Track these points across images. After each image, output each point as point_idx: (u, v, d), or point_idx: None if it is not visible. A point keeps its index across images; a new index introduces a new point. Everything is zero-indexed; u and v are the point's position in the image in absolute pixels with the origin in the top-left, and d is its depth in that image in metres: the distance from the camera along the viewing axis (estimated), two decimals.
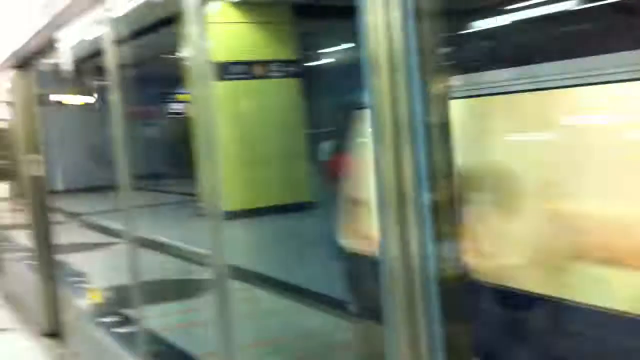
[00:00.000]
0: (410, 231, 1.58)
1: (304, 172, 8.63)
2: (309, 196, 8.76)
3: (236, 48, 7.66)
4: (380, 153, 1.63)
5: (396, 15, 1.53)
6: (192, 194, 9.15)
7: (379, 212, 1.66)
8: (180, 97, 17.80)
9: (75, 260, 5.51)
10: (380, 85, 1.59)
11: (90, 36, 4.13)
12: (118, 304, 4.94)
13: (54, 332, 6.25)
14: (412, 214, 1.57)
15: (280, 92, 8.34)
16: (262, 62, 8.29)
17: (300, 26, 8.24)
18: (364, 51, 1.62)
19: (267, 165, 7.65)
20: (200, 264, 3.16)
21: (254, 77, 8.19)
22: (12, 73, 6.23)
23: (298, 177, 8.47)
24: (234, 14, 7.49)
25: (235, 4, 7.19)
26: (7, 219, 8.24)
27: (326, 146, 8.12)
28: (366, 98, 1.66)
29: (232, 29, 7.01)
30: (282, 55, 8.36)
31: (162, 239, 3.47)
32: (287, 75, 8.84)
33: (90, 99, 4.82)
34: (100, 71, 5.87)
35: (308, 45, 9.73)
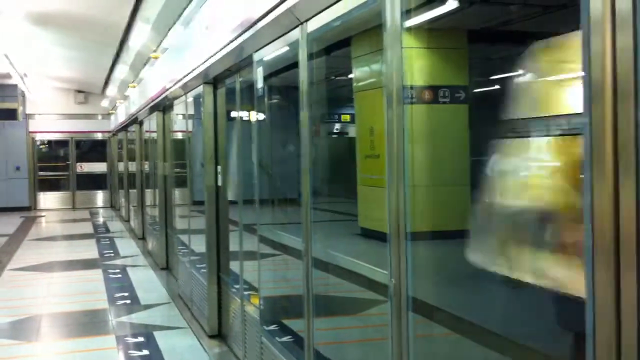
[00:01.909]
0: (625, 277, 1.49)
1: (466, 199, 8.44)
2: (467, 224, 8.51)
3: (411, 72, 7.68)
4: (595, 186, 1.56)
5: (625, 41, 1.47)
6: (349, 213, 9.30)
7: (586, 253, 1.58)
8: (345, 117, 18.22)
9: (242, 267, 5.77)
10: (602, 113, 1.52)
11: (274, 55, 4.33)
12: (281, 313, 5.09)
13: (219, 334, 6.58)
14: (628, 258, 1.48)
15: (448, 118, 8.25)
16: (432, 87, 8.24)
17: (474, 52, 8.12)
18: (586, 78, 1.56)
19: (431, 190, 7.57)
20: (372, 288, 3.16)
21: (423, 102, 8.16)
22: (199, 88, 6.68)
23: (461, 204, 8.29)
24: (408, 39, 7.54)
25: (409, 30, 7.23)
26: (183, 224, 8.80)
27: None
28: (582, 125, 1.61)
29: (406, 54, 7.04)
30: (453, 81, 8.29)
31: (341, 257, 3.52)
32: (456, 101, 8.72)
33: (263, 116, 5.09)
34: (276, 90, 6.14)
35: (479, 71, 9.56)
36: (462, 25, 8.07)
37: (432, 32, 7.40)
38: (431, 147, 7.98)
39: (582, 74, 1.59)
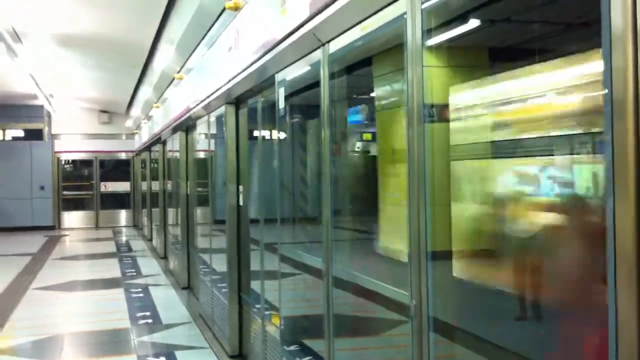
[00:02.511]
0: None
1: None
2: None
3: (431, 91, 7.68)
4: (617, 204, 1.54)
5: None
6: (369, 232, 9.27)
7: (609, 272, 1.57)
8: (366, 135, 18.24)
9: (261, 286, 5.77)
10: (624, 131, 1.51)
11: (295, 75, 4.35)
12: (301, 334, 5.07)
13: (239, 354, 6.56)
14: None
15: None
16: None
17: (495, 69, 8.11)
18: (608, 94, 1.55)
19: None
20: (392, 307, 3.13)
21: (444, 120, 8.12)
22: (222, 108, 6.73)
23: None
24: (429, 58, 7.55)
25: (430, 48, 7.24)
26: (205, 243, 8.82)
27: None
28: (603, 144, 1.59)
29: (428, 72, 7.05)
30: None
31: (361, 277, 3.50)
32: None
33: (285, 135, 5.13)
34: (298, 109, 6.16)
35: None
36: (484, 44, 8.09)
37: (452, 50, 7.41)
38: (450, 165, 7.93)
39: (605, 90, 1.58)
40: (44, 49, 11.40)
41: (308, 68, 3.98)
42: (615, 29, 1.51)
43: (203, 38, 7.13)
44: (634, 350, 1.49)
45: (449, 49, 6.77)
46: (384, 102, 9.09)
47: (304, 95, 4.74)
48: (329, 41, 3.50)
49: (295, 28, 3.59)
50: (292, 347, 4.87)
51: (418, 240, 2.56)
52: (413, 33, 2.60)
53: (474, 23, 5.43)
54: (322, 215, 3.68)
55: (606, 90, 1.57)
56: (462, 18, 4.67)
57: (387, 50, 4.11)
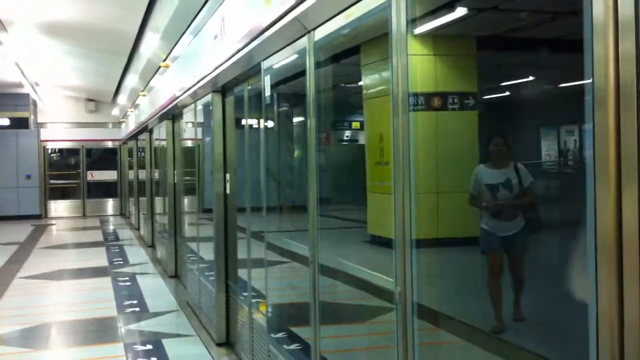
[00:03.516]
0: (628, 282, 1.48)
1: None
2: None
3: (417, 79, 7.67)
4: (600, 195, 1.55)
5: (628, 46, 1.47)
6: (358, 220, 9.29)
7: (590, 259, 1.58)
8: (355, 124, 18.25)
9: (247, 274, 5.78)
10: (605, 121, 1.52)
11: (281, 64, 4.34)
12: (288, 321, 5.09)
13: (227, 342, 6.58)
14: (631, 264, 1.47)
15: (458, 125, 8.23)
16: (441, 93, 8.23)
17: (483, 58, 8.12)
18: (589, 84, 1.56)
19: (441, 197, 7.56)
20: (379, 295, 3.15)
21: (432, 109, 8.14)
22: (208, 96, 6.71)
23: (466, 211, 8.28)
24: (417, 46, 7.54)
25: (418, 37, 7.23)
26: (192, 232, 8.82)
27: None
28: (585, 133, 1.60)
29: (413, 61, 7.05)
30: (462, 88, 8.27)
31: (346, 264, 3.52)
32: (466, 107, 8.70)
33: (271, 124, 5.14)
34: (284, 98, 6.14)
35: (488, 78, 9.54)
36: (471, 32, 8.09)
37: (439, 39, 7.43)
38: (439, 153, 7.98)
39: (587, 80, 1.59)
40: (29, 37, 11.29)
41: (295, 56, 3.97)
42: (596, 18, 1.52)
43: (189, 26, 7.08)
44: (615, 341, 1.51)
45: (436, 38, 6.77)
46: (371, 90, 9.08)
47: (291, 84, 4.73)
48: (314, 29, 3.49)
49: (281, 15, 3.57)
50: (278, 335, 4.89)
51: (403, 227, 2.57)
52: (398, 21, 2.60)
53: (460, 12, 5.42)
54: (309, 203, 3.68)
55: (588, 80, 1.58)
56: (448, 6, 4.65)
57: (375, 39, 4.11)
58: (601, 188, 1.54)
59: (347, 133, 19.41)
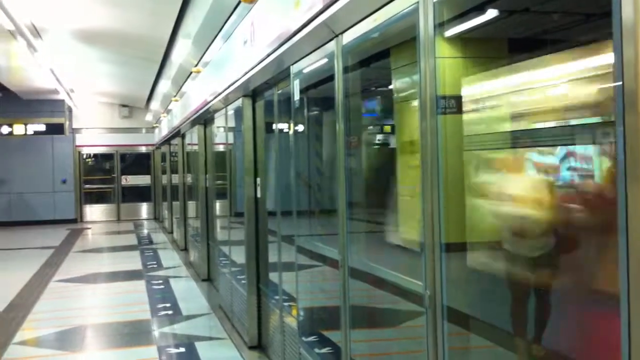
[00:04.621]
0: None
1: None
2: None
3: (446, 82, 7.63)
4: (632, 198, 1.53)
5: None
6: (386, 224, 9.26)
7: (621, 264, 1.56)
8: (386, 127, 18.24)
9: (278, 277, 5.81)
10: (636, 123, 1.50)
11: (311, 68, 4.36)
12: (319, 324, 5.10)
13: (259, 345, 6.61)
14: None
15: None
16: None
17: (514, 60, 8.04)
18: (619, 86, 1.55)
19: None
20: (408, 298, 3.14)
21: (461, 112, 8.05)
22: (238, 101, 6.76)
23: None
24: (447, 49, 7.51)
25: (448, 39, 7.21)
26: (224, 235, 8.88)
27: None
28: (614, 135, 1.58)
29: (442, 63, 7.02)
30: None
31: (379, 268, 3.52)
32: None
33: (301, 127, 5.18)
34: (314, 102, 6.14)
35: None
36: (503, 35, 8.02)
37: (470, 41, 7.36)
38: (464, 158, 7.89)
39: (617, 82, 1.57)
40: (63, 44, 11.51)
41: (324, 60, 3.98)
42: (625, 20, 1.50)
43: (219, 31, 7.15)
44: None
45: (466, 40, 6.70)
46: (402, 94, 9.05)
47: (321, 88, 4.74)
48: (342, 32, 3.50)
49: (309, 19, 3.59)
50: (310, 338, 4.90)
51: (432, 231, 2.56)
52: (425, 24, 2.59)
53: (491, 14, 5.37)
54: (338, 207, 3.69)
55: (618, 82, 1.56)
56: (477, 9, 4.62)
57: (405, 42, 4.10)
58: (632, 190, 1.52)
59: (379, 137, 19.47)
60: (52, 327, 7.75)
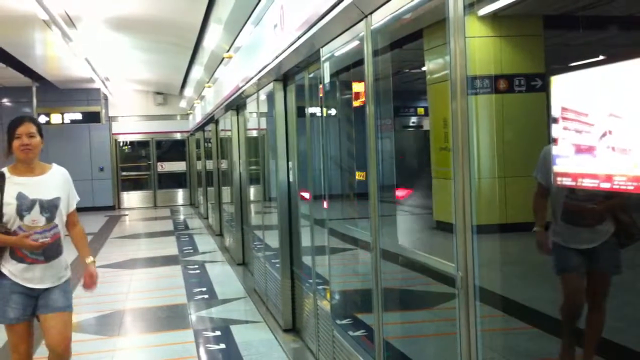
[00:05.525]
0: None
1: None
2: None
3: (481, 62, 7.52)
4: None
5: None
6: (423, 207, 9.19)
7: None
8: (420, 110, 18.09)
9: (312, 261, 5.82)
10: None
11: (342, 50, 4.32)
12: (352, 307, 5.10)
13: (293, 328, 6.65)
14: None
15: (525, 107, 8.02)
16: (507, 75, 8.00)
17: (550, 38, 7.86)
18: None
19: (502, 182, 7.40)
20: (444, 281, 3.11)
21: (497, 92, 7.93)
22: (270, 85, 6.76)
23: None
24: (480, 28, 7.38)
25: (481, 18, 7.07)
26: (258, 220, 8.93)
27: None
28: None
29: (477, 42, 6.89)
30: (529, 69, 8.03)
31: (413, 251, 3.49)
32: (533, 89, 8.44)
33: (333, 111, 5.15)
34: (344, 85, 6.10)
35: (556, 58, 9.21)
36: (537, 11, 7.84)
37: (504, 19, 7.23)
38: (506, 136, 7.79)
39: None
40: (97, 32, 11.63)
41: (356, 42, 3.94)
42: None
43: (250, 16, 7.14)
44: None
45: (500, 18, 6.55)
46: (435, 75, 8.91)
47: (353, 71, 4.71)
48: (371, 13, 3.45)
49: (338, 0, 3.56)
50: (343, 321, 4.90)
51: (463, 212, 2.53)
52: (455, 3, 2.54)
53: None
54: (369, 190, 3.67)
55: None
56: None
57: (438, 22, 4.04)
58: None
59: (413, 119, 19.24)
60: (92, 312, 7.90)
